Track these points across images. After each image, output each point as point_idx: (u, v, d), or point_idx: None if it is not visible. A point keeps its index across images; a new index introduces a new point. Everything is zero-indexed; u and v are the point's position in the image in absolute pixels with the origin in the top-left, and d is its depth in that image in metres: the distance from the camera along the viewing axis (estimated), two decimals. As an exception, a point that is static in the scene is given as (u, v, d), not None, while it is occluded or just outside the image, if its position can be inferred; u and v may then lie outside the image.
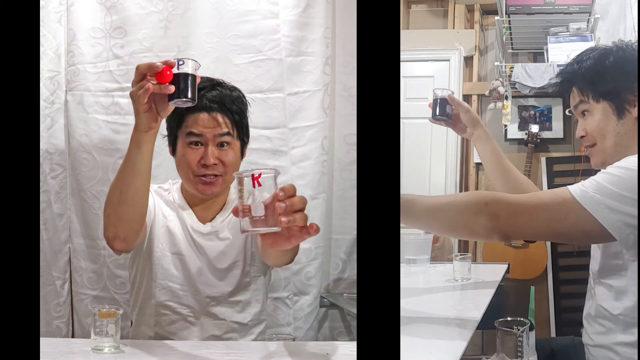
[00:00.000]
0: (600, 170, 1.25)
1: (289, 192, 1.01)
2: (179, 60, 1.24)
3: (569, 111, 1.44)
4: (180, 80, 1.24)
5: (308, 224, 1.03)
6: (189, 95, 1.25)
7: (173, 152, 1.58)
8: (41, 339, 1.11)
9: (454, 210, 1.27)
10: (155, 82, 1.22)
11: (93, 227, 2.08)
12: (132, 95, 1.24)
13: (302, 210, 1.03)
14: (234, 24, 2.10)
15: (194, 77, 1.25)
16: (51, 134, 2.10)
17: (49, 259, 2.10)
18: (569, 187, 1.19)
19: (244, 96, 1.59)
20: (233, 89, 1.58)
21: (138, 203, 1.34)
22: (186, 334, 1.54)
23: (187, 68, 1.24)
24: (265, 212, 1.02)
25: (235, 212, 1.05)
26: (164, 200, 1.60)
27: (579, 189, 1.17)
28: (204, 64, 2.04)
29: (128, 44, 2.08)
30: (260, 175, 1.02)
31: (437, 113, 1.71)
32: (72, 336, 2.12)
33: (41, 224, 2.08)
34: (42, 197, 2.09)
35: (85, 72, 2.06)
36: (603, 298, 1.31)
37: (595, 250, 1.37)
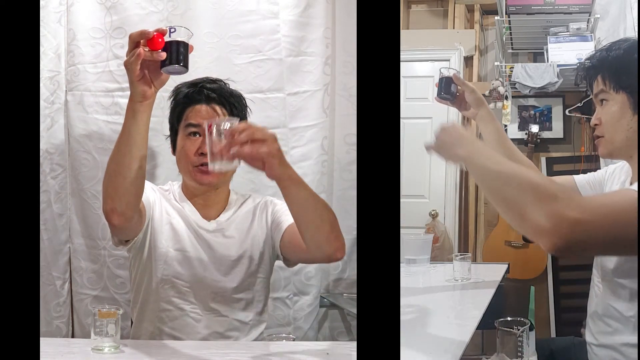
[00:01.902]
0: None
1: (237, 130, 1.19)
2: (170, 27, 1.24)
3: (569, 111, 1.43)
4: (172, 47, 1.24)
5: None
6: (181, 62, 1.24)
7: (174, 150, 1.61)
8: (41, 339, 1.11)
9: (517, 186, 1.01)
10: (147, 49, 1.22)
11: (93, 227, 2.08)
12: (126, 64, 1.24)
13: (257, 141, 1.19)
14: (234, 24, 2.10)
15: (186, 44, 1.25)
16: (51, 134, 2.09)
17: (49, 259, 2.10)
18: (632, 188, 1.02)
19: (244, 98, 1.65)
20: (233, 89, 1.63)
21: (134, 174, 1.33)
22: (188, 330, 1.54)
23: (180, 35, 1.24)
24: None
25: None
26: (166, 199, 1.61)
27: None
28: (204, 64, 2.05)
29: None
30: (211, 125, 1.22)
31: (442, 92, 1.72)
32: (72, 336, 2.12)
33: (41, 224, 2.08)
34: (42, 197, 2.09)
35: (85, 72, 2.06)
36: (615, 298, 1.29)
37: None
